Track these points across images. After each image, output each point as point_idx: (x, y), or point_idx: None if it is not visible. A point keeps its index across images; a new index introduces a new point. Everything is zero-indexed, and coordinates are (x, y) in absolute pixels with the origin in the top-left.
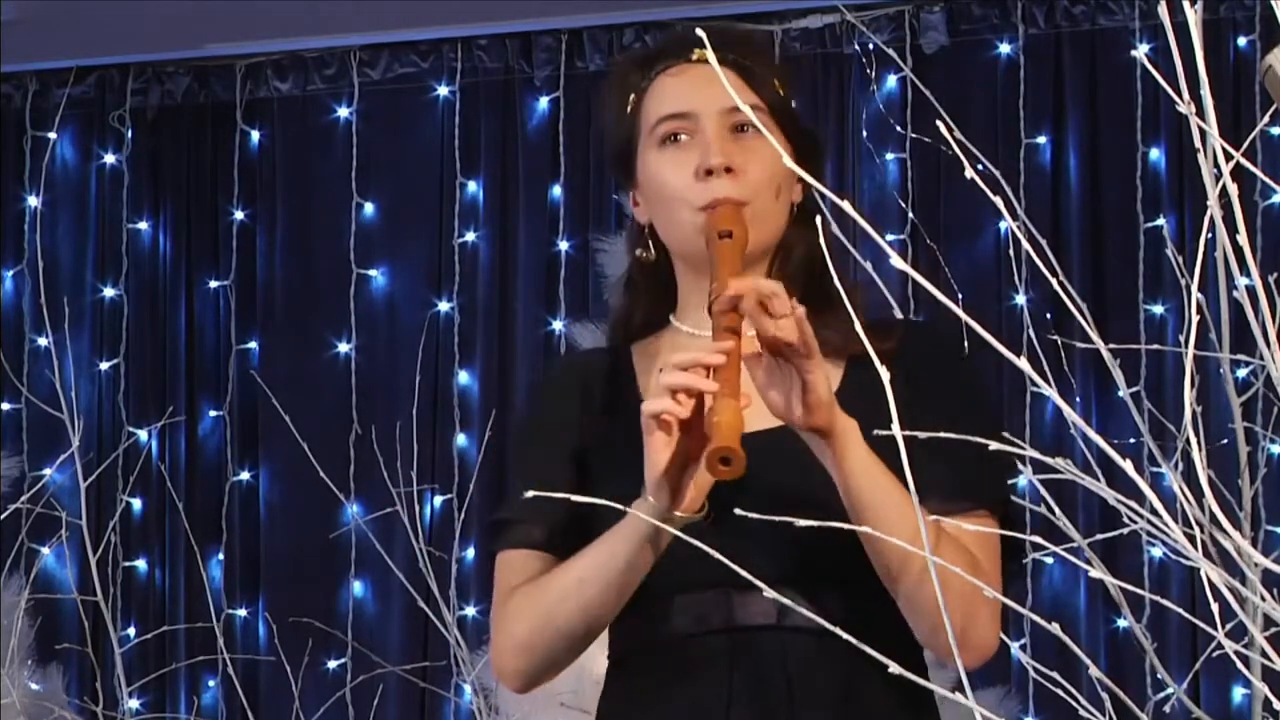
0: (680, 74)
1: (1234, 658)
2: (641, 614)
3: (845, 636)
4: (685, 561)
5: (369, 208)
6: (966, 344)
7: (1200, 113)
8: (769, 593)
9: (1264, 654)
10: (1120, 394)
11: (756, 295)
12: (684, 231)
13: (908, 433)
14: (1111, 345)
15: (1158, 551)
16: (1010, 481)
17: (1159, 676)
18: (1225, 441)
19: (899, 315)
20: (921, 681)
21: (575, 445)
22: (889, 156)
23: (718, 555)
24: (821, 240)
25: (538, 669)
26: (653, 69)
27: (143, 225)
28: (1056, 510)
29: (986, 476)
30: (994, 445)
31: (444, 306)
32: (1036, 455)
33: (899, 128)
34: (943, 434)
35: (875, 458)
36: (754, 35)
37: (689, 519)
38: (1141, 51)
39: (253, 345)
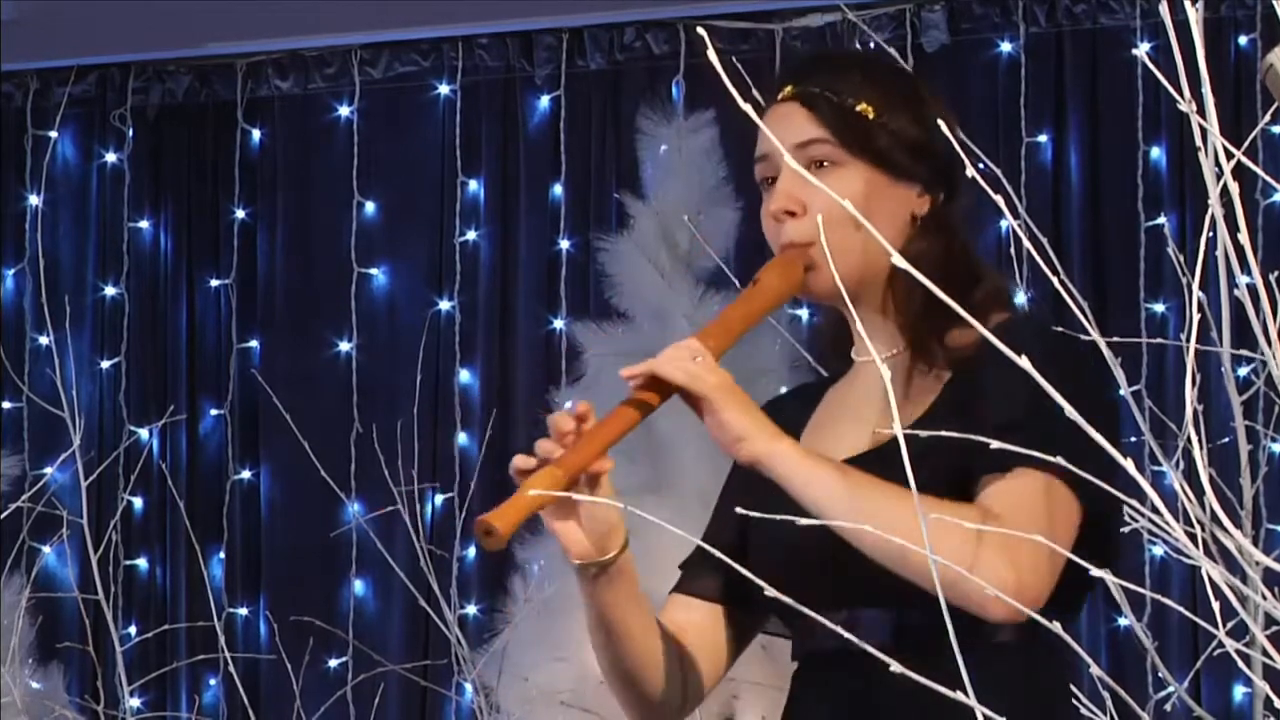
0: (770, 116)
1: (1235, 656)
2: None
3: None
4: (787, 586)
5: (370, 206)
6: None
7: (1201, 111)
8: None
9: (1265, 653)
10: (1121, 392)
11: (655, 370)
12: None
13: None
14: (1112, 341)
15: (1159, 550)
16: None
17: (1160, 675)
18: (1226, 440)
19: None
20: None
21: (740, 496)
22: None
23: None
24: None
25: (628, 708)
26: (763, 111)
27: (144, 224)
28: None
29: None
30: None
31: (445, 305)
32: (1037, 455)
33: None
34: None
35: (832, 465)
36: (840, 58)
37: (591, 564)
38: (1142, 50)
39: (254, 344)
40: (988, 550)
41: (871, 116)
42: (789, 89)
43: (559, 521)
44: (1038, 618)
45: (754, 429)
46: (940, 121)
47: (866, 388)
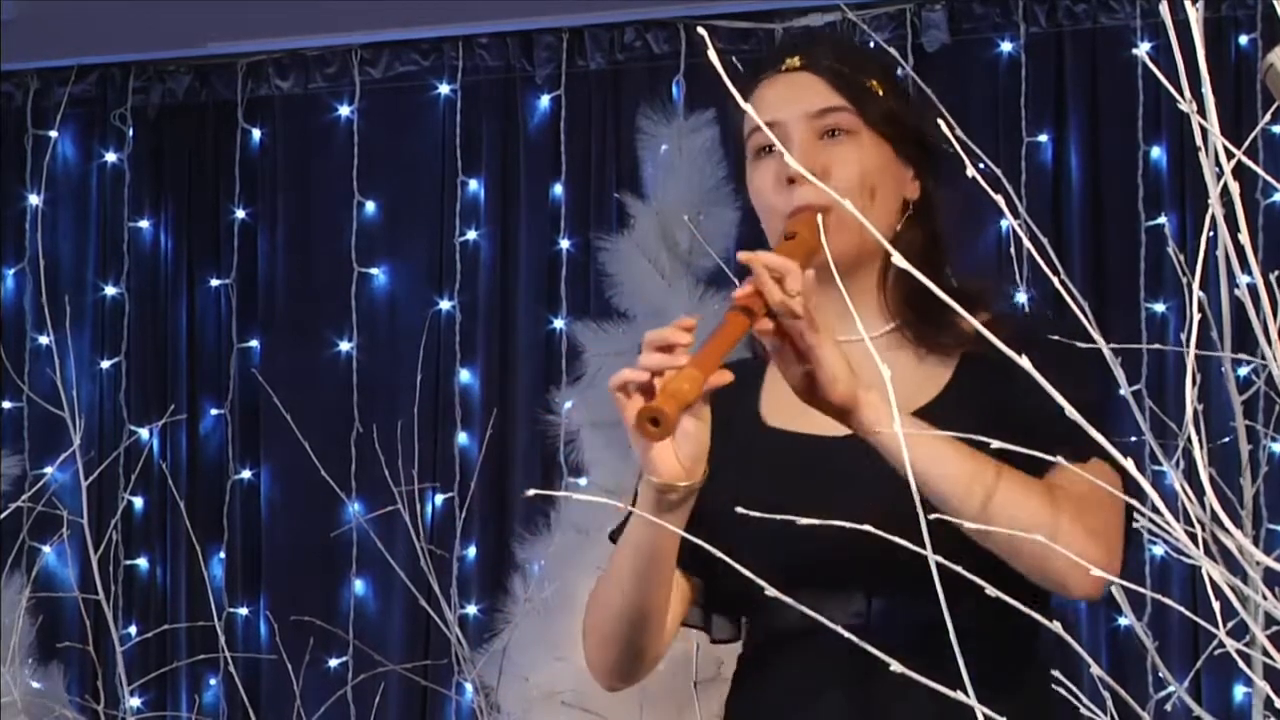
0: (773, 84)
1: (1235, 656)
2: (755, 612)
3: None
4: (782, 562)
5: (370, 206)
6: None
7: (1201, 111)
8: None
9: (1265, 652)
10: (1121, 392)
11: (766, 268)
12: (778, 240)
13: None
14: (1113, 344)
15: (1159, 550)
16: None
17: (1160, 675)
18: (1227, 440)
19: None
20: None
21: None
22: None
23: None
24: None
25: (611, 660)
26: (753, 82)
27: (144, 224)
28: None
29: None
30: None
31: (445, 305)
32: (1039, 454)
33: None
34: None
35: (914, 426)
36: (843, 38)
37: (678, 486)
38: (1143, 50)
39: (254, 344)
40: (1075, 527)
41: (880, 94)
42: (797, 60)
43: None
44: (1042, 617)
45: (850, 372)
46: (929, 113)
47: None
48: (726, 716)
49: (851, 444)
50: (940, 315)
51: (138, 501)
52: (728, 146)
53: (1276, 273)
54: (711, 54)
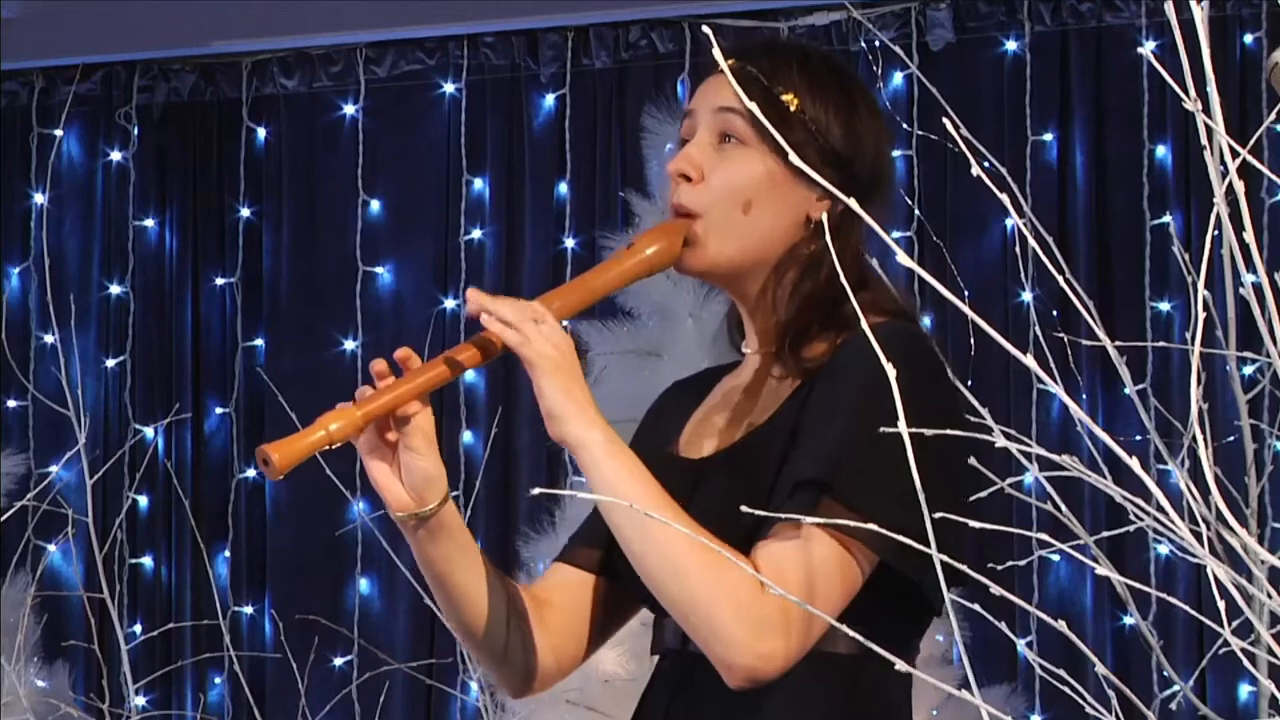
0: (707, 81)
1: (1240, 655)
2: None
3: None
4: (639, 583)
5: (375, 205)
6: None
7: (1206, 109)
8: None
9: (1270, 651)
10: (1126, 391)
11: (482, 310)
12: None
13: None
14: (1118, 343)
15: (1164, 549)
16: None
17: (1165, 674)
18: (1232, 439)
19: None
20: (906, 669)
21: None
22: (895, 154)
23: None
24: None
25: (493, 673)
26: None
27: (149, 222)
28: (1063, 507)
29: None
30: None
31: (450, 304)
32: (1043, 452)
33: (905, 125)
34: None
35: (635, 472)
36: (786, 47)
37: (408, 515)
38: (1148, 48)
39: (259, 342)
40: (766, 615)
41: (793, 109)
42: (730, 62)
43: (376, 469)
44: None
45: (569, 409)
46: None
47: (746, 383)
48: None
49: (703, 465)
50: (804, 341)
51: (142, 500)
52: None
53: None
54: (716, 53)
